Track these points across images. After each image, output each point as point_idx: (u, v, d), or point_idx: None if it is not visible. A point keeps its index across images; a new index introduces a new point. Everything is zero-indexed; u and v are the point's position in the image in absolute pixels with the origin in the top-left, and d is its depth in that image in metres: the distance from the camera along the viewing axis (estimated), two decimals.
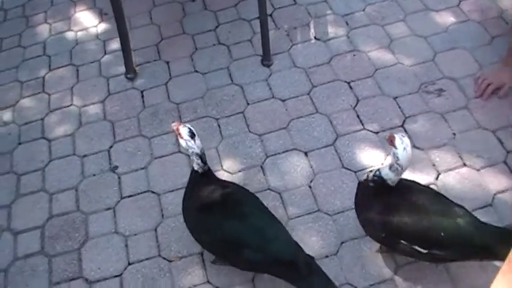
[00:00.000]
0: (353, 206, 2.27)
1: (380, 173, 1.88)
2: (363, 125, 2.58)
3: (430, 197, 1.96)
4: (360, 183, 2.03)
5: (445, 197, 1.98)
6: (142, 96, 2.89)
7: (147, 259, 2.27)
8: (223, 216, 2.00)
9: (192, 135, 1.94)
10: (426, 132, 2.52)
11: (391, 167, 1.84)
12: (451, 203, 1.94)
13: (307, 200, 2.35)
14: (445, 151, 2.44)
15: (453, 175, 2.36)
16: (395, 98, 2.66)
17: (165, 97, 2.85)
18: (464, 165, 2.39)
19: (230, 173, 2.49)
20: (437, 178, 2.35)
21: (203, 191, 2.06)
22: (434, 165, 2.40)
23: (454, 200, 2.00)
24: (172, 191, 2.47)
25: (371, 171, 1.93)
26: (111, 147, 2.68)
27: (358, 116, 2.62)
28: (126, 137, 2.71)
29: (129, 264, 2.27)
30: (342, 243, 2.21)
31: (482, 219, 2.16)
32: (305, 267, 1.87)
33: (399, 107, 2.62)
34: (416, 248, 1.88)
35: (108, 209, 2.45)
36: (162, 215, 2.39)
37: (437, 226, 1.85)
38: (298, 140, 2.56)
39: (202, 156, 1.98)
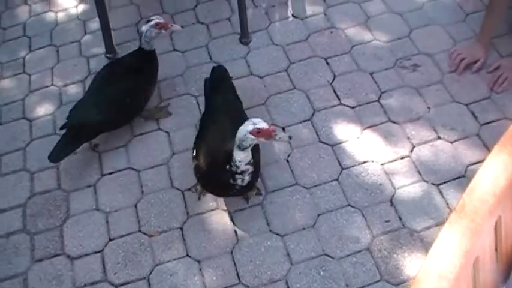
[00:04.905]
0: (329, 179, 2.35)
1: (236, 161, 2.00)
2: (339, 100, 2.63)
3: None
4: (222, 176, 2.09)
5: None
6: None
7: (127, 234, 2.31)
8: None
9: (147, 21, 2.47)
10: (401, 106, 2.56)
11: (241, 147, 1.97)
12: None
13: (284, 173, 2.39)
14: (419, 124, 2.49)
15: (428, 148, 2.41)
16: (371, 74, 2.71)
17: None
18: (439, 138, 2.44)
19: None
20: (412, 151, 2.40)
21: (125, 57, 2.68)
22: (409, 138, 2.45)
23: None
24: (152, 167, 2.50)
25: (231, 166, 2.02)
26: None
27: (334, 92, 2.66)
28: None
29: (110, 240, 2.31)
30: (319, 215, 2.26)
31: (456, 190, 2.25)
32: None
33: (375, 82, 2.67)
34: None
35: (89, 186, 2.48)
36: (142, 191, 2.43)
37: None
38: (276, 116, 2.60)
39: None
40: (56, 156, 2.43)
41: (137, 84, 2.53)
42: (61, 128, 2.46)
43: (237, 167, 2.00)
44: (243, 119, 2.04)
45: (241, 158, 1.98)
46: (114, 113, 2.48)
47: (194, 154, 2.21)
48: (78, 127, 2.44)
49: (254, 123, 1.91)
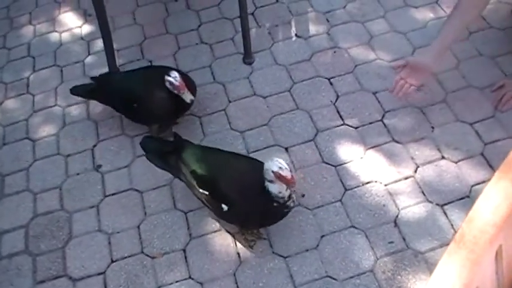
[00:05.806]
0: (333, 200, 2.33)
1: (277, 195, 1.98)
2: (342, 120, 2.62)
3: None
4: (278, 212, 2.08)
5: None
6: None
7: (130, 256, 2.30)
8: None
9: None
10: (405, 126, 2.55)
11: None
12: None
13: None
14: (423, 144, 2.48)
15: (432, 168, 2.39)
16: (374, 93, 2.70)
17: None
18: (443, 157, 2.42)
19: None
20: (415, 171, 2.39)
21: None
22: (412, 158, 2.43)
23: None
24: (154, 188, 2.49)
25: (278, 202, 2.00)
26: (94, 146, 2.71)
27: (338, 112, 2.65)
28: (110, 136, 2.74)
29: (112, 261, 2.30)
30: (322, 236, 2.24)
31: (461, 211, 2.24)
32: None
33: (379, 102, 2.66)
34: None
35: (92, 207, 2.48)
36: (145, 213, 2.42)
37: None
38: (279, 136, 2.59)
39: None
40: (75, 90, 2.79)
41: (154, 99, 2.54)
42: (91, 78, 2.79)
43: (283, 198, 1.99)
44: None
45: (280, 188, 1.96)
46: (122, 106, 2.67)
47: (226, 209, 2.10)
48: (101, 86, 2.70)
49: (280, 167, 1.91)
